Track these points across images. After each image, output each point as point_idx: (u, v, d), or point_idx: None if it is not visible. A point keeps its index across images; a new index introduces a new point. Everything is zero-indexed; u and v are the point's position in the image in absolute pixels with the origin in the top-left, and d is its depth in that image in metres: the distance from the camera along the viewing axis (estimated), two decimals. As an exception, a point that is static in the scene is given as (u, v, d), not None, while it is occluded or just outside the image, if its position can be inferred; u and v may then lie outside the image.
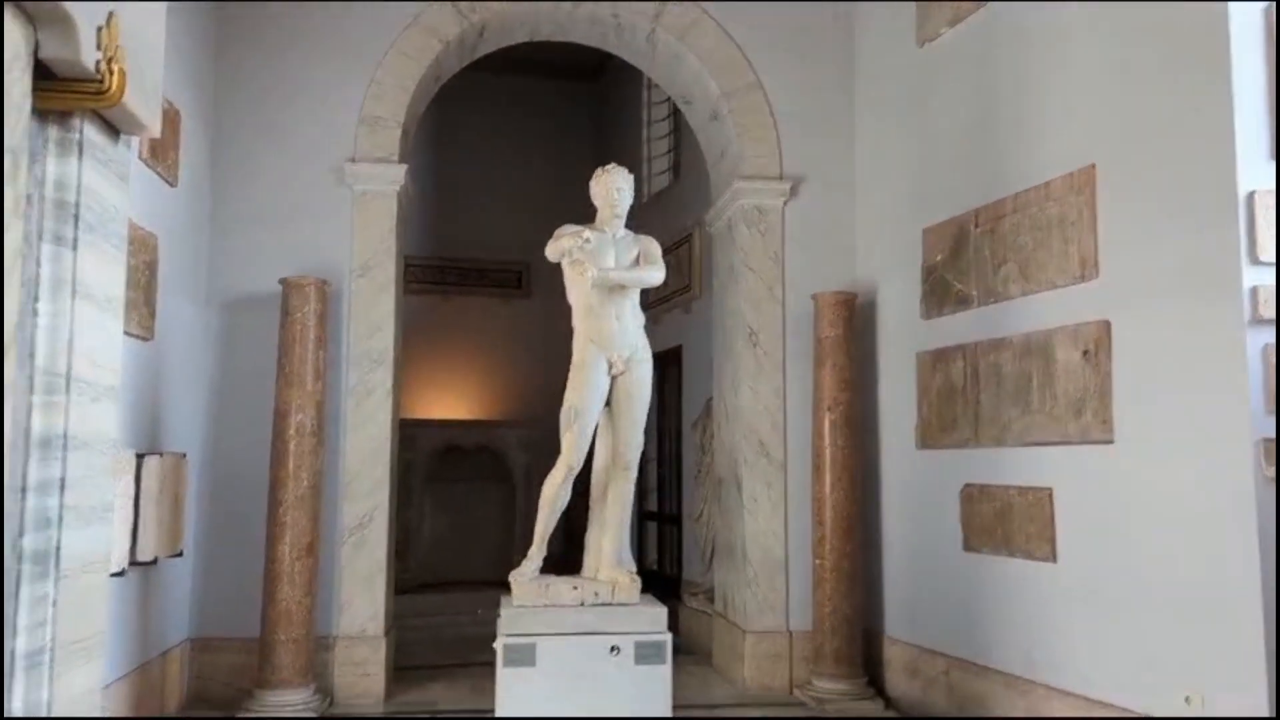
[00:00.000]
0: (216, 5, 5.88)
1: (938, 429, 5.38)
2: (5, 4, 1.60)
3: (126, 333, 4.55)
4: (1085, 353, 4.33)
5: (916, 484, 5.65)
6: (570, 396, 4.65)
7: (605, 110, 11.25)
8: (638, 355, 4.77)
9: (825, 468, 5.78)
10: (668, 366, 8.63)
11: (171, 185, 5.21)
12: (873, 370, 6.09)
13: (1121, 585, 4.14)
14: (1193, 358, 3.84)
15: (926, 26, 5.62)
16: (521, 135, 10.90)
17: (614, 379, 4.73)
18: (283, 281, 5.61)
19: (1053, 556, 4.51)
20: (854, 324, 5.92)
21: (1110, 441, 4.21)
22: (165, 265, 5.09)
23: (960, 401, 5.18)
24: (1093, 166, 4.35)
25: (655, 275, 4.78)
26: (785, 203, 6.33)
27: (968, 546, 5.10)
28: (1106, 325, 4.25)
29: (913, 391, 5.63)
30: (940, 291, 5.39)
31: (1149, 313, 4.06)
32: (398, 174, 6.10)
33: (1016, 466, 4.76)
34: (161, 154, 5.04)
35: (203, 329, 5.76)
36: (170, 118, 5.14)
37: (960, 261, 5.23)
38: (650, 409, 4.91)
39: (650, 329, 4.99)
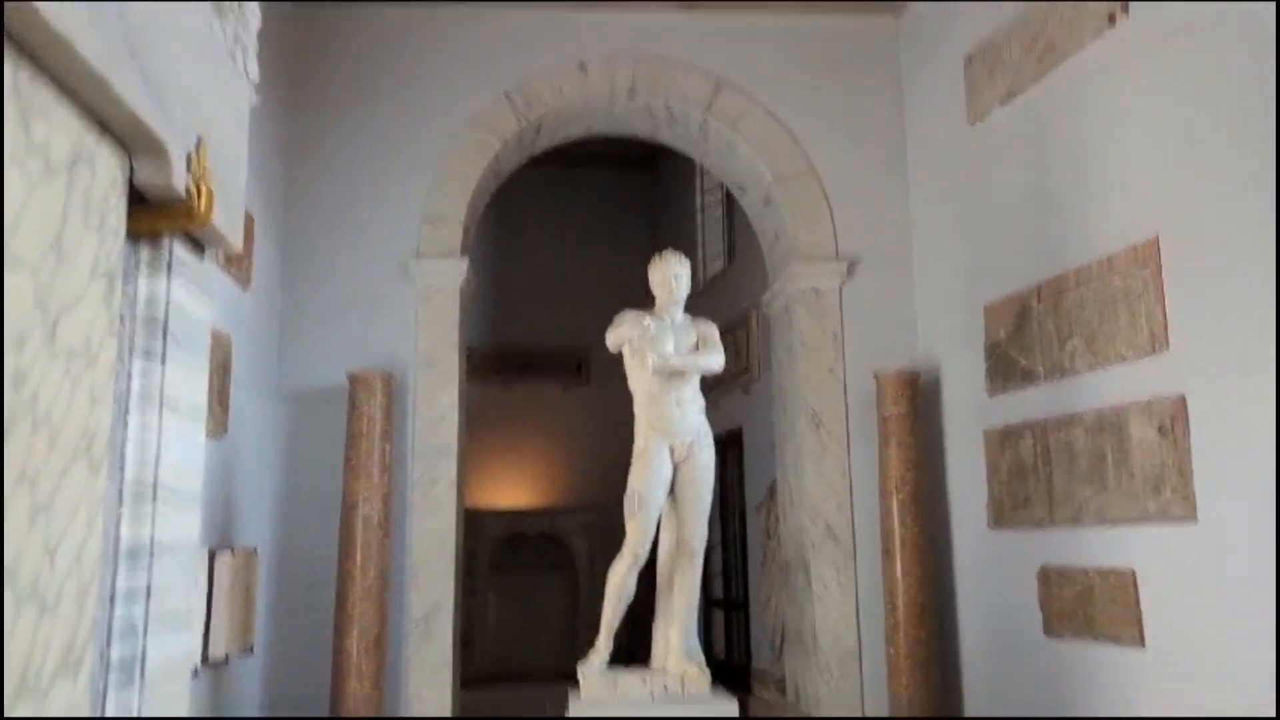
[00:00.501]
0: (288, 110, 6.13)
1: (1010, 508, 5.26)
2: (102, 134, 1.70)
3: (201, 432, 4.67)
4: (1161, 428, 4.22)
5: (991, 565, 5.50)
6: (634, 484, 4.65)
7: (660, 196, 11.44)
8: (700, 441, 4.78)
9: (895, 550, 5.67)
10: (729, 449, 8.58)
11: (245, 288, 5.39)
12: (939, 449, 5.99)
13: (1214, 670, 3.97)
14: (1273, 431, 3.72)
15: (977, 105, 5.66)
16: (579, 224, 11.11)
17: (677, 465, 4.73)
18: (350, 376, 5.73)
19: (1140, 641, 4.34)
20: (917, 402, 5.85)
21: (1193, 520, 4.07)
22: (238, 364, 5.24)
23: (1032, 479, 5.07)
24: (1156, 238, 4.31)
25: (715, 360, 4.81)
26: (842, 283, 6.34)
27: (1048, 631, 4.93)
28: (1181, 400, 4.15)
29: (982, 470, 5.53)
30: (1005, 368, 5.32)
31: (1225, 386, 3.96)
32: (460, 268, 6.24)
33: (1095, 547, 4.62)
34: (235, 259, 5.23)
35: (273, 424, 5.89)
36: (244, 223, 5.33)
37: (1024, 337, 5.17)
38: (713, 493, 4.89)
39: (710, 411, 5.01)
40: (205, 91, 1.97)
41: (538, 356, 10.74)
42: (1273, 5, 3.74)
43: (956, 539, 5.84)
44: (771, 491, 7.45)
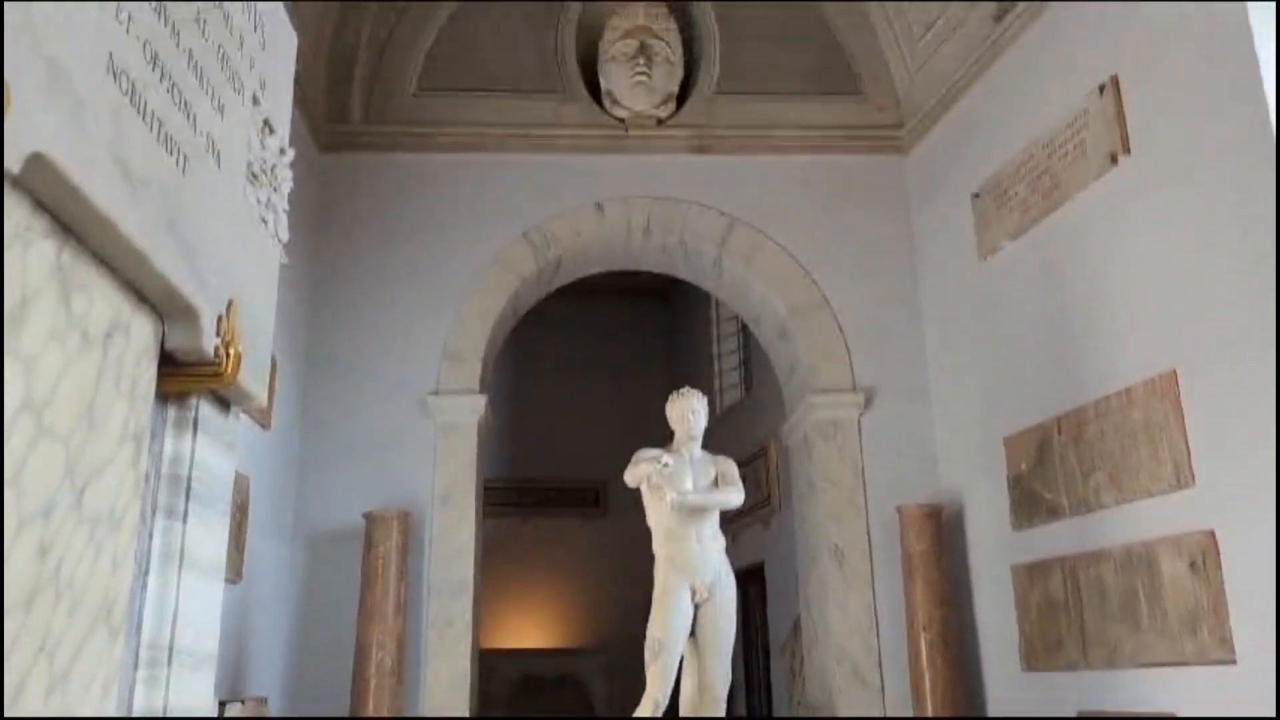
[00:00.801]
0: (312, 252, 6.28)
1: (1042, 649, 5.11)
2: (139, 303, 1.74)
3: (218, 576, 4.63)
4: (1192, 564, 4.13)
5: (1025, 708, 5.30)
6: (653, 628, 4.55)
7: (676, 327, 11.58)
8: (721, 580, 4.70)
9: (926, 693, 5.49)
10: (750, 584, 8.43)
11: (265, 429, 5.43)
12: (966, 585, 5.87)
13: (1269, 824, 3.76)
14: (1311, 568, 3.63)
15: (987, 240, 5.76)
16: (595, 355, 11.22)
17: (698, 606, 4.64)
18: (366, 515, 5.71)
19: (1186, 791, 4.14)
20: (942, 536, 5.76)
21: (1232, 662, 3.94)
22: (255, 506, 5.23)
23: (1064, 618, 4.93)
24: (1173, 371, 4.31)
25: (735, 497, 4.77)
26: (860, 415, 6.33)
27: (1089, 779, 4.72)
28: (1211, 535, 4.07)
29: (1011, 607, 5.39)
30: (1030, 502, 5.25)
31: (1254, 520, 3.89)
32: (478, 404, 6.28)
33: (1133, 691, 4.46)
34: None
35: (289, 567, 5.83)
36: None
37: (1047, 470, 5.12)
38: (735, 632, 4.78)
39: (730, 546, 4.94)
40: (237, 255, 2.03)
41: (555, 489, 10.69)
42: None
43: (988, 681, 5.65)
44: (796, 629, 7.27)
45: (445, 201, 6.59)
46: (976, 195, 5.83)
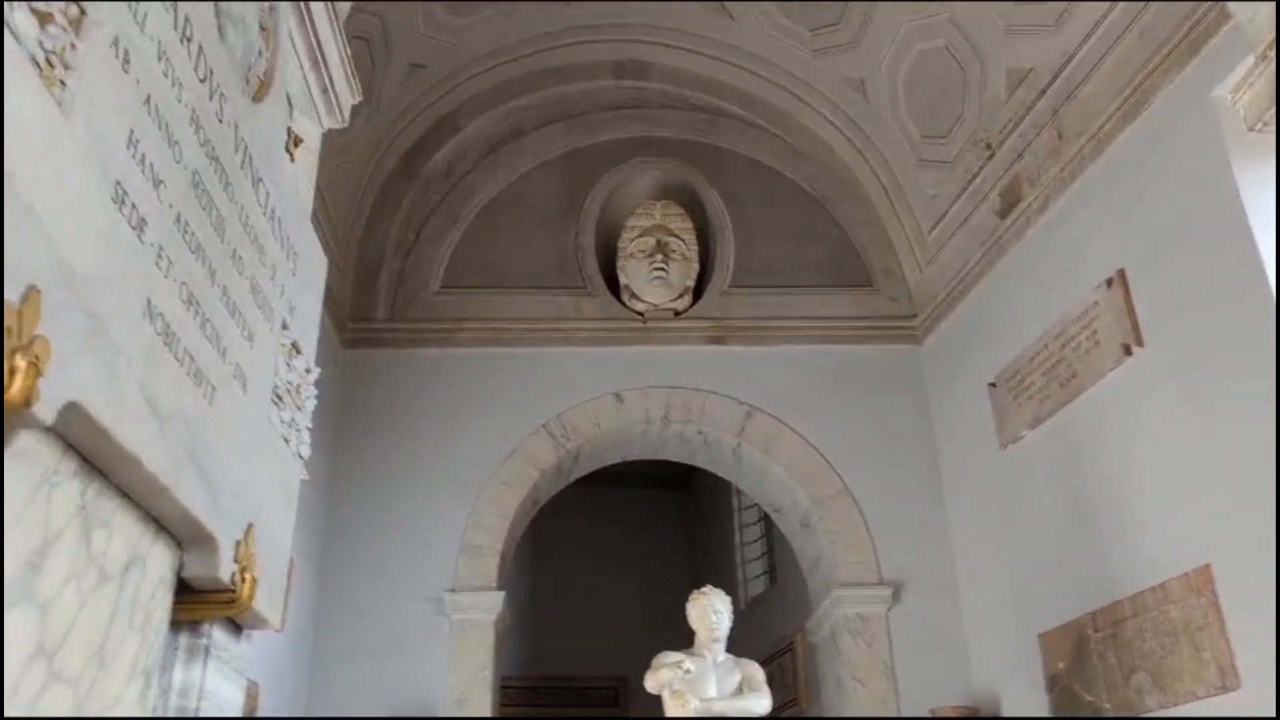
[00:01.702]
0: (330, 448, 6.32)
1: None
2: (158, 534, 1.75)
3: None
4: (1248, 775, 3.89)
5: None
6: (679, 847, 4.29)
7: (696, 515, 11.45)
8: (749, 793, 4.46)
9: None
10: (780, 789, 7.97)
11: (278, 632, 5.31)
12: (1009, 794, 5.53)
13: None
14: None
15: (1006, 429, 5.75)
16: (614, 544, 11.04)
17: (728, 822, 4.39)
18: (378, 722, 5.50)
19: None
20: (979, 741, 5.48)
21: None
22: (264, 709, 5.06)
23: (1116, 832, 4.62)
24: (1208, 566, 4.19)
25: (760, 705, 4.60)
26: (888, 609, 6.15)
27: None
28: (1264, 742, 3.85)
29: (1059, 819, 5.06)
30: (1070, 704, 5.01)
31: (1310, 727, 3.69)
32: (495, 601, 6.16)
33: None
34: (272, 599, 5.20)
35: (297, 776, 5.59)
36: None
37: (1085, 670, 4.91)
38: None
39: (757, 748, 4.71)
40: (257, 477, 2.05)
41: (573, 688, 10.30)
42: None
43: None
44: (829, 840, 6.82)
45: (466, 395, 6.68)
46: (993, 384, 5.86)
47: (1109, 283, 4.90)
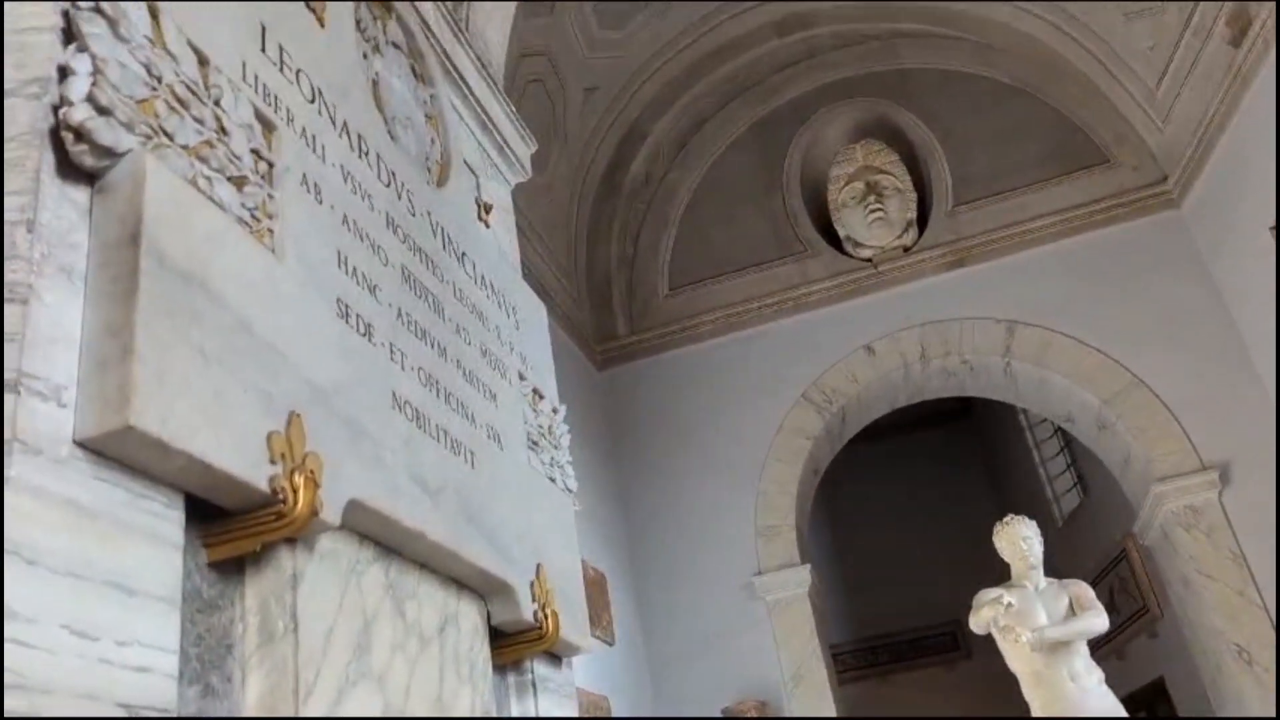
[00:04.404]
0: (616, 464, 6.63)
1: None
2: (460, 592, 1.94)
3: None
4: None
5: None
6: (1048, 784, 4.15)
7: (986, 442, 11.00)
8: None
9: None
10: (1155, 704, 7.50)
11: (610, 645, 5.64)
12: None
13: None
14: None
15: (1306, 270, 5.14)
16: (912, 492, 10.80)
17: (1094, 752, 4.19)
18: (724, 711, 5.70)
19: None
20: (1368, 612, 4.92)
21: None
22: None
23: None
24: None
25: (1097, 622, 4.35)
26: (1220, 493, 5.65)
27: None
28: None
29: None
30: None
31: None
32: (803, 575, 6.21)
33: None
34: (596, 619, 5.52)
35: (663, 776, 5.89)
36: (598, 583, 5.69)
37: None
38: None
39: (1117, 666, 4.47)
40: (534, 520, 2.22)
41: (909, 640, 10.17)
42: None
43: None
44: (1222, 748, 6.33)
45: (720, 385, 6.79)
46: (1274, 227, 5.25)
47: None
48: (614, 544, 6.27)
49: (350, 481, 1.51)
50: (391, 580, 1.69)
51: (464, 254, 2.22)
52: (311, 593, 1.44)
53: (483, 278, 2.29)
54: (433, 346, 1.94)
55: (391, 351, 1.76)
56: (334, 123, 1.78)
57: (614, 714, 5.33)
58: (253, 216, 1.44)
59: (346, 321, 1.64)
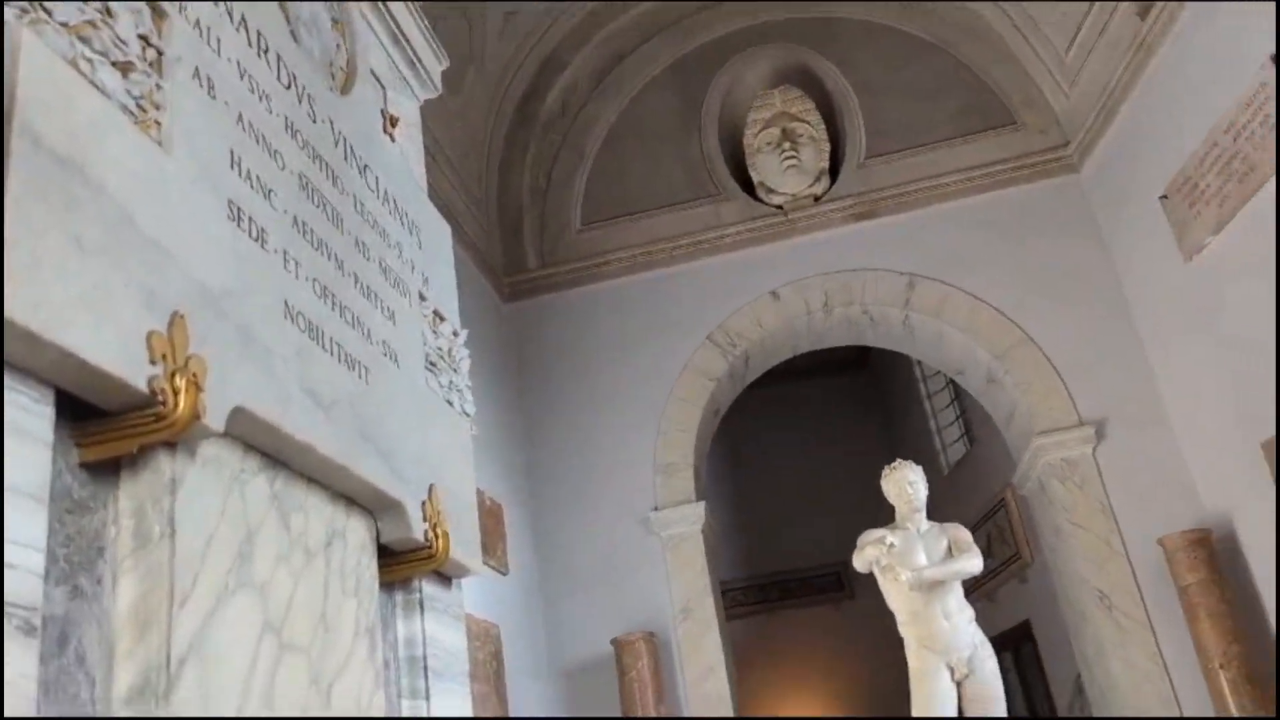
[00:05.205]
0: (519, 398, 6.62)
1: (1367, 670, 4.52)
2: (349, 508, 1.92)
3: (484, 726, 4.83)
4: None
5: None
6: (917, 714, 4.36)
7: (882, 391, 11.32)
8: (978, 653, 4.47)
9: (1240, 738, 4.94)
10: (1020, 645, 7.92)
11: (504, 574, 5.68)
12: (1258, 611, 5.29)
13: None
14: None
15: (1188, 240, 5.37)
16: (806, 436, 11.08)
17: (959, 684, 4.42)
18: (614, 641, 5.81)
19: None
20: (1216, 563, 5.25)
21: None
22: (509, 651, 5.44)
23: (1383, 633, 4.36)
24: None
25: (973, 563, 4.55)
26: (1094, 448, 5.94)
27: None
28: None
29: (1318, 629, 4.82)
30: (1309, 509, 4.73)
31: None
32: (698, 512, 6.34)
33: None
34: (491, 548, 5.55)
35: (550, 703, 5.99)
36: (494, 513, 5.70)
37: (1320, 471, 4.61)
38: (1014, 696, 4.50)
39: (988, 608, 4.70)
40: (430, 441, 2.20)
41: (796, 579, 10.50)
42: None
43: (1313, 714, 5.03)
44: (1079, 687, 6.75)
45: (627, 323, 6.81)
46: (1164, 197, 5.47)
47: (1274, 58, 4.46)
48: (513, 475, 6.28)
49: (237, 388, 1.48)
50: (277, 491, 1.67)
51: (366, 166, 2.16)
52: (191, 499, 1.41)
53: (386, 193, 2.24)
54: (330, 259, 1.89)
55: (285, 259, 1.71)
56: (231, 16, 1.70)
57: (504, 641, 5.38)
58: (138, 106, 1.38)
59: (238, 225, 1.58)
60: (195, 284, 1.42)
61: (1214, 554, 5.27)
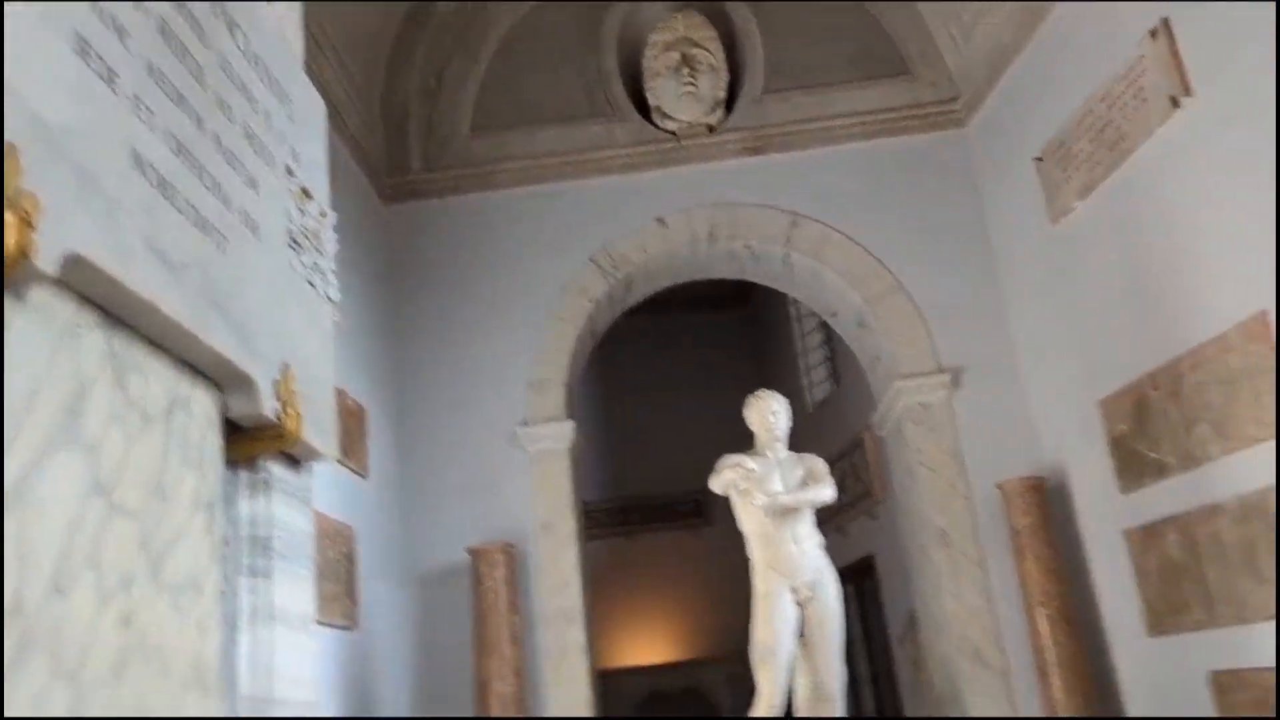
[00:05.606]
0: (391, 302, 6.48)
1: (1167, 613, 4.92)
2: (195, 378, 1.85)
3: (331, 625, 4.80)
4: (1312, 510, 3.93)
5: (1155, 675, 5.11)
6: (759, 633, 4.55)
7: (758, 329, 11.53)
8: (822, 578, 4.67)
9: (1050, 669, 5.34)
10: (862, 579, 8.32)
11: (363, 477, 5.61)
12: (1079, 556, 5.69)
13: None
14: None
15: (1056, 203, 5.61)
16: (681, 367, 11.24)
17: (802, 606, 4.61)
18: (470, 550, 5.84)
19: (1337, 747, 3.93)
20: (1048, 509, 5.61)
21: (1369, 606, 3.73)
22: (364, 554, 5.40)
23: (1185, 579, 4.75)
24: (1264, 312, 4.12)
25: (825, 493, 4.74)
26: (950, 395, 6.21)
27: (1233, 744, 4.51)
28: (1328, 476, 3.87)
29: (1129, 573, 5.21)
30: (1134, 463, 5.08)
31: (1374, 457, 3.69)
32: (566, 430, 6.37)
33: (1267, 646, 4.26)
34: (351, 450, 5.47)
35: (403, 609, 6.00)
36: (357, 415, 5.61)
37: (1148, 429, 4.94)
38: (853, 626, 4.73)
39: (837, 540, 4.90)
40: (287, 320, 2.13)
41: (657, 505, 10.73)
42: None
43: (1115, 651, 5.46)
44: (913, 620, 7.14)
45: (510, 236, 6.72)
46: (1039, 159, 5.68)
47: (1153, 34, 4.64)
48: (381, 380, 6.17)
49: (75, 233, 1.39)
50: (115, 350, 1.59)
51: (236, 24, 2.03)
52: (16, 344, 1.33)
53: (256, 56, 2.12)
54: (188, 115, 1.78)
55: (137, 106, 1.60)
56: None
57: (359, 544, 5.34)
58: (-24, -88, 1.26)
59: (85, 61, 1.47)
60: (30, 115, 1.32)
61: (1045, 500, 5.61)
